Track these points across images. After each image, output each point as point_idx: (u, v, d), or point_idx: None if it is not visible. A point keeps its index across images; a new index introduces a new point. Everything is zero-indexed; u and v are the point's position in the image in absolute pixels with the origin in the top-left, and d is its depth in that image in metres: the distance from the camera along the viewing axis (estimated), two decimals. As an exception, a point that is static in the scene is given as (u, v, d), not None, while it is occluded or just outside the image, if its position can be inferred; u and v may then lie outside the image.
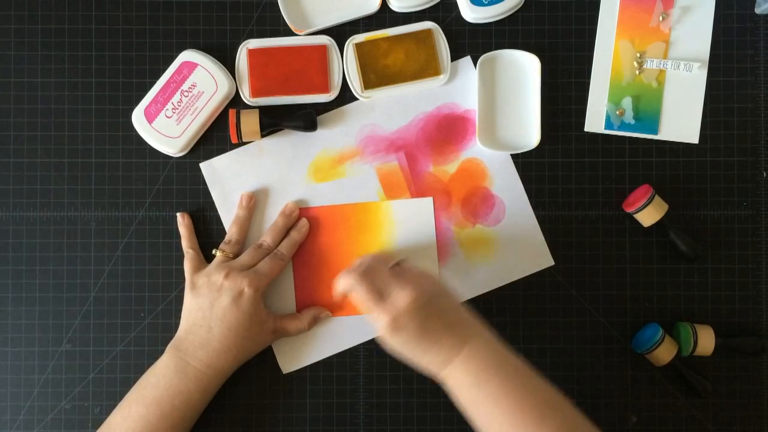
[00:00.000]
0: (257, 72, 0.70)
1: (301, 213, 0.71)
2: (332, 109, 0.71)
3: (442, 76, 0.71)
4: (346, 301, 0.71)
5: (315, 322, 0.69)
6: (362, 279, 0.59)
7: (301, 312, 0.70)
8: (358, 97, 0.71)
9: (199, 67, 0.69)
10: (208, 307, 0.65)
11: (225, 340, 0.64)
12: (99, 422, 0.66)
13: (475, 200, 0.71)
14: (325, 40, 0.71)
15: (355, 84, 0.71)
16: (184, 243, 0.69)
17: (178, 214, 0.70)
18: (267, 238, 0.69)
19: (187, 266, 0.68)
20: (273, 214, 0.71)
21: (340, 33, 0.71)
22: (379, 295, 0.59)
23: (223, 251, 0.68)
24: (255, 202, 0.70)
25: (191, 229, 0.70)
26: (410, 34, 0.71)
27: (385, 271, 0.61)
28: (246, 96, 0.70)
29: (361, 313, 0.62)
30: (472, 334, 0.59)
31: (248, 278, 0.65)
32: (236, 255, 0.68)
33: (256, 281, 0.65)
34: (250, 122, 0.68)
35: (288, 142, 0.71)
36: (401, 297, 0.58)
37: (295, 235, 0.69)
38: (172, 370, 0.64)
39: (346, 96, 0.71)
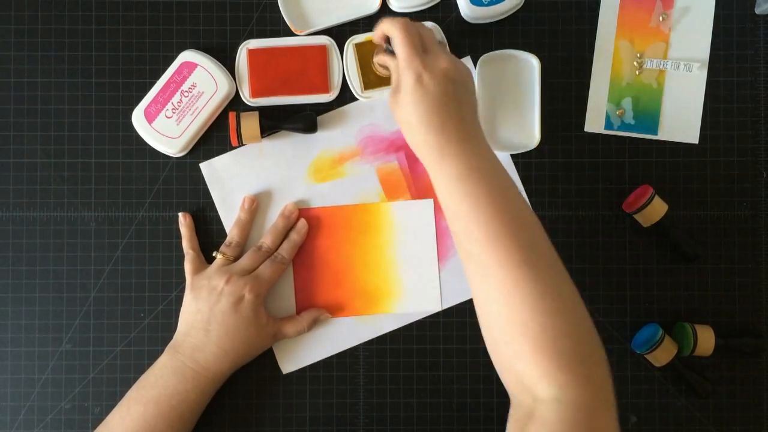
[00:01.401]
0: (257, 72, 0.70)
1: (302, 214, 0.71)
2: (332, 109, 0.71)
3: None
4: (346, 301, 0.71)
5: (314, 323, 0.69)
6: (406, 27, 0.58)
7: (301, 314, 0.70)
8: (358, 97, 0.71)
9: (199, 67, 0.69)
10: (208, 311, 0.65)
11: (223, 344, 0.65)
12: (99, 422, 0.66)
13: (475, 200, 0.71)
14: (325, 40, 0.71)
15: (355, 84, 0.71)
16: (185, 243, 0.69)
17: (179, 214, 0.70)
18: (267, 240, 0.69)
19: (188, 267, 0.68)
20: (273, 215, 0.71)
21: (340, 33, 0.71)
22: (418, 48, 0.58)
23: (223, 254, 0.68)
24: (257, 206, 0.70)
25: (192, 230, 0.70)
26: None
27: (431, 36, 0.61)
28: (246, 96, 0.70)
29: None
30: (476, 137, 0.58)
31: (249, 284, 0.65)
32: (236, 257, 0.68)
33: (257, 287, 0.65)
34: (250, 126, 0.68)
35: (288, 142, 0.71)
36: (442, 60, 0.58)
37: (295, 237, 0.69)
38: (170, 370, 0.64)
39: (346, 96, 0.71)
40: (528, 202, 0.58)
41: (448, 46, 0.69)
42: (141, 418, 0.63)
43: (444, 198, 0.57)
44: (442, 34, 0.69)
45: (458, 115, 0.57)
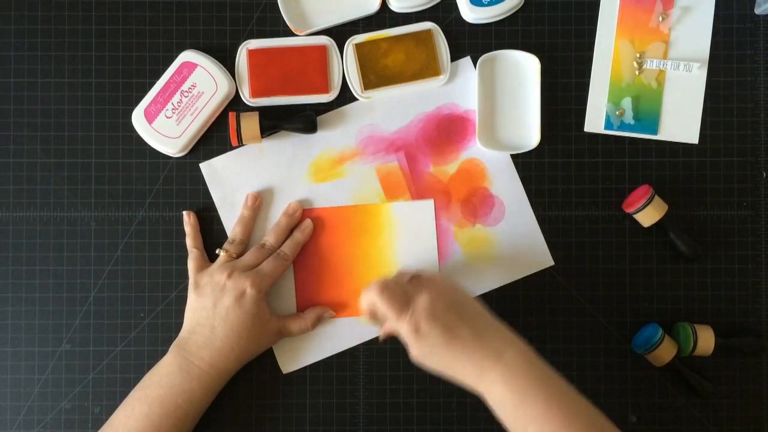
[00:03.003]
0: (257, 72, 0.70)
1: (301, 214, 0.71)
2: (332, 109, 0.71)
3: (442, 77, 0.71)
4: (347, 302, 0.71)
5: (318, 321, 0.69)
6: (382, 292, 0.59)
7: (305, 312, 0.70)
8: (358, 97, 0.71)
9: (199, 67, 0.69)
10: (212, 307, 0.65)
11: (228, 340, 0.65)
12: (99, 422, 0.66)
13: (475, 200, 0.71)
14: (325, 40, 0.71)
15: (355, 84, 0.71)
16: (189, 242, 0.69)
17: (184, 213, 0.70)
18: (270, 238, 0.69)
19: (191, 265, 0.68)
20: (272, 215, 0.71)
21: (340, 33, 0.71)
22: (402, 305, 0.58)
23: (226, 251, 0.68)
24: (260, 203, 0.70)
25: (197, 228, 0.70)
26: (410, 34, 0.71)
27: (404, 283, 0.61)
28: (246, 96, 0.70)
29: (387, 330, 0.62)
30: (507, 344, 0.58)
31: (251, 278, 0.65)
32: (240, 255, 0.68)
33: (259, 281, 0.65)
34: (250, 126, 0.68)
35: (288, 142, 0.71)
36: (420, 301, 0.58)
37: (299, 236, 0.69)
38: (176, 369, 0.64)
39: (346, 96, 0.71)
40: (582, 396, 0.56)
41: (422, 270, 0.65)
42: (146, 418, 0.62)
43: (505, 422, 0.57)
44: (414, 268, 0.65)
45: (473, 333, 0.57)
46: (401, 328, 0.58)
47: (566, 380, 0.57)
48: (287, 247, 0.69)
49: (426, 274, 0.63)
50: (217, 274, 0.66)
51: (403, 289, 0.60)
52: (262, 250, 0.68)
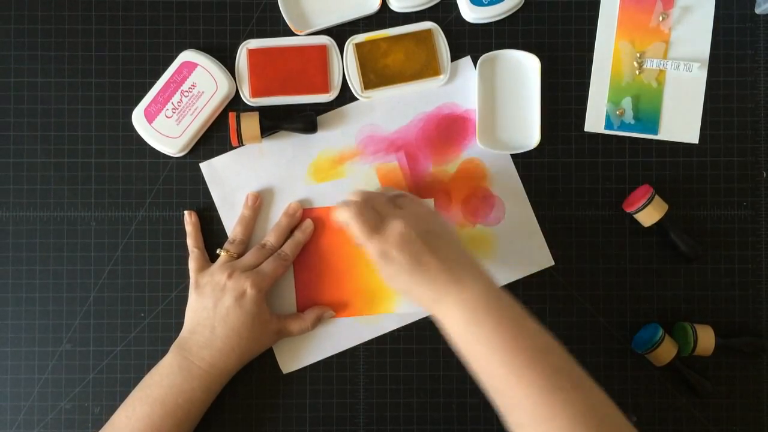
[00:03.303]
0: (257, 72, 0.70)
1: (302, 213, 0.71)
2: (332, 109, 0.71)
3: (442, 76, 0.71)
4: (347, 302, 0.71)
5: (318, 321, 0.69)
6: (358, 213, 0.60)
7: (305, 312, 0.70)
8: (358, 97, 0.71)
9: (199, 67, 0.69)
10: (212, 307, 0.65)
11: (228, 341, 0.65)
12: (99, 422, 0.66)
13: (475, 200, 0.71)
14: (325, 40, 0.71)
15: (355, 84, 0.71)
16: (190, 242, 0.69)
17: (185, 212, 0.70)
18: (270, 238, 0.69)
19: (192, 265, 0.68)
20: (273, 214, 0.71)
21: (340, 33, 0.71)
22: (374, 227, 0.59)
23: (227, 251, 0.68)
24: (261, 202, 0.70)
25: (198, 228, 0.70)
26: (410, 34, 0.71)
27: (383, 203, 0.62)
28: (246, 96, 0.70)
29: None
30: (467, 272, 0.58)
31: (251, 278, 0.65)
32: (240, 254, 0.68)
33: (259, 282, 0.65)
34: (250, 126, 0.68)
35: (288, 142, 0.71)
36: (392, 228, 0.59)
37: (300, 236, 0.69)
38: (176, 369, 0.64)
39: (346, 96, 0.71)
40: (539, 324, 0.57)
41: (405, 193, 0.66)
42: (147, 418, 0.63)
43: (456, 343, 0.58)
44: (397, 191, 0.65)
45: (438, 261, 0.58)
46: (370, 248, 0.59)
47: (524, 308, 0.58)
48: (288, 247, 0.69)
49: (407, 198, 0.64)
50: (217, 274, 0.66)
51: (379, 209, 0.61)
52: (263, 250, 0.68)
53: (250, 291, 0.65)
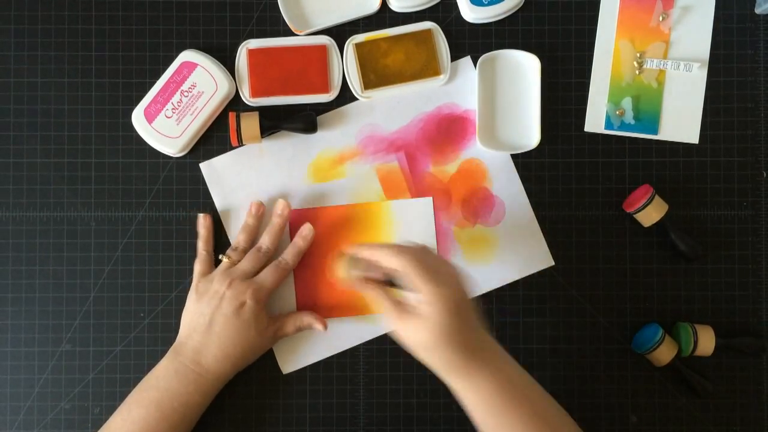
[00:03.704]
0: (257, 72, 0.70)
1: (302, 213, 0.71)
2: (332, 109, 0.71)
3: (442, 76, 0.71)
4: (347, 302, 0.71)
5: (310, 327, 0.69)
6: (419, 258, 0.56)
7: (299, 312, 0.69)
8: (358, 97, 0.71)
9: (199, 67, 0.69)
10: (210, 314, 0.65)
11: (225, 348, 0.65)
12: (99, 422, 0.66)
13: (475, 200, 0.71)
14: (325, 40, 0.71)
15: (355, 84, 0.71)
16: (201, 244, 0.69)
17: (200, 215, 0.70)
18: (266, 241, 0.69)
19: (197, 268, 0.68)
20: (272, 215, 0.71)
21: (340, 33, 0.71)
22: (401, 307, 0.56)
23: (229, 257, 0.68)
24: (264, 211, 0.70)
25: (211, 232, 0.70)
26: (410, 34, 0.71)
27: (432, 255, 0.58)
28: (246, 96, 0.70)
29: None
30: (489, 354, 0.57)
31: (251, 289, 0.65)
32: None
33: (258, 293, 0.66)
34: (250, 126, 0.68)
35: (288, 142, 0.71)
36: (449, 280, 0.56)
37: (300, 243, 0.69)
38: (172, 373, 0.64)
39: (346, 96, 0.71)
40: (550, 397, 0.58)
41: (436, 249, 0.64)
42: (143, 421, 0.62)
43: (475, 413, 0.57)
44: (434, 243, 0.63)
45: (473, 336, 0.57)
46: (425, 291, 0.54)
47: (538, 385, 0.58)
48: (289, 255, 0.68)
49: (444, 275, 0.57)
50: (217, 282, 0.66)
51: (430, 261, 0.56)
52: (259, 254, 0.68)
53: (249, 302, 0.65)
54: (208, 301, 0.65)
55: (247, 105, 0.71)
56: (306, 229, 0.69)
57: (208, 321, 0.65)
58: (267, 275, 0.67)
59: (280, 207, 0.69)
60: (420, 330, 0.55)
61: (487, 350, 0.58)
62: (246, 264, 0.67)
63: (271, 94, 0.70)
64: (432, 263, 0.56)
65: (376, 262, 0.58)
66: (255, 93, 0.70)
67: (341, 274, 0.60)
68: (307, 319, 0.69)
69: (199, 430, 0.67)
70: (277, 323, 0.68)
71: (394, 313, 0.57)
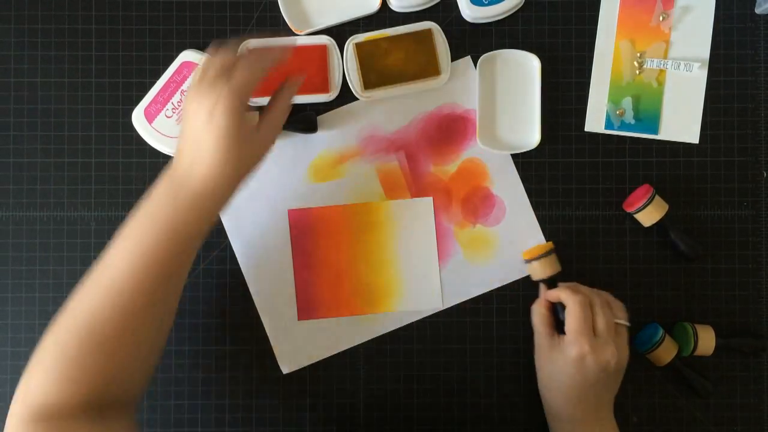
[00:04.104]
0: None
1: (302, 214, 0.71)
2: (332, 109, 0.71)
3: (442, 76, 0.71)
4: (347, 301, 0.71)
5: (290, 97, 0.62)
6: (588, 307, 0.64)
7: (273, 95, 0.62)
8: (358, 97, 0.71)
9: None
10: (190, 127, 0.57)
11: (215, 154, 0.56)
12: (99, 422, 0.66)
13: (475, 200, 0.71)
14: (325, 40, 0.71)
15: (355, 84, 0.71)
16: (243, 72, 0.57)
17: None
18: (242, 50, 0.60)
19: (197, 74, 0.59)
20: (272, 215, 0.71)
21: (340, 33, 0.71)
22: (590, 329, 0.63)
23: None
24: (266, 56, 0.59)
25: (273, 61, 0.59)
26: (410, 34, 0.71)
27: (610, 321, 0.64)
28: None
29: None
30: (609, 424, 0.65)
31: (222, 92, 0.55)
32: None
33: (229, 96, 0.55)
34: (250, 123, 0.68)
35: (288, 142, 0.71)
36: (608, 350, 0.62)
37: (282, 49, 0.60)
38: (164, 191, 0.57)
39: (346, 96, 0.71)
40: None
41: (627, 330, 0.66)
42: (140, 253, 0.55)
43: None
44: (626, 316, 0.66)
45: (599, 401, 0.64)
46: (575, 343, 0.63)
47: None
48: (263, 57, 0.59)
49: (621, 329, 0.66)
50: (191, 88, 0.57)
51: (601, 323, 0.64)
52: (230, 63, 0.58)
53: (220, 106, 0.55)
54: (188, 111, 0.57)
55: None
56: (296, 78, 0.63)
57: (192, 131, 0.57)
58: (238, 72, 0.56)
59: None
60: (553, 370, 0.65)
61: (601, 418, 0.64)
62: (221, 58, 0.58)
63: (271, 93, 0.70)
64: (592, 321, 0.64)
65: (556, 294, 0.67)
66: (255, 93, 0.70)
67: (535, 274, 0.69)
68: (285, 97, 0.62)
69: (199, 431, 0.67)
70: (263, 121, 0.60)
71: (544, 339, 0.66)
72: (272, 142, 0.61)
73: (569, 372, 0.62)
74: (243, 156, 0.57)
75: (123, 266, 0.56)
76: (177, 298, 0.60)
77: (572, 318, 0.63)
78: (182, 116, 0.59)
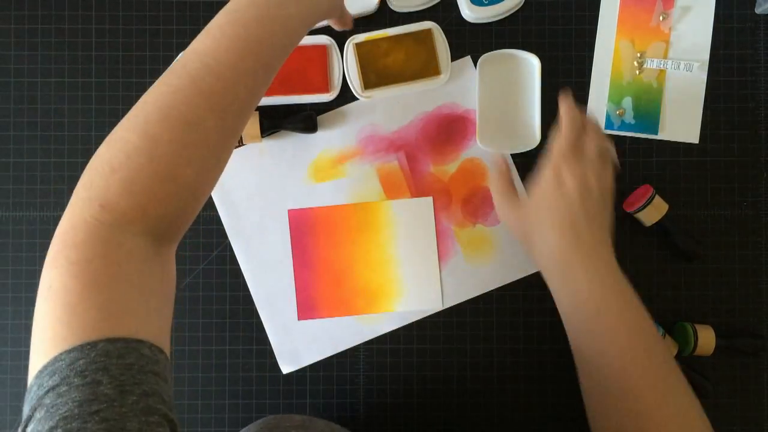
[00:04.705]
0: None
1: (302, 213, 0.71)
2: (332, 109, 0.71)
3: (442, 76, 0.71)
4: (347, 301, 0.71)
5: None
6: (575, 120, 0.61)
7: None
8: (358, 97, 0.71)
9: (199, 67, 0.69)
10: None
11: None
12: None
13: (475, 200, 0.71)
14: (325, 40, 0.71)
15: (355, 84, 0.71)
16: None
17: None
18: None
19: None
20: (272, 215, 0.71)
21: (340, 33, 0.71)
22: (576, 143, 0.60)
23: None
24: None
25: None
26: (410, 34, 0.71)
27: (599, 139, 0.61)
28: None
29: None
30: (605, 254, 0.59)
31: None
32: None
33: None
34: (250, 126, 0.68)
35: (288, 142, 0.71)
36: (589, 169, 0.59)
37: None
38: None
39: (346, 96, 0.71)
40: (655, 328, 0.59)
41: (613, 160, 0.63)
42: (241, 40, 0.49)
43: (583, 305, 0.58)
44: (614, 153, 0.63)
45: (594, 237, 0.59)
46: (559, 155, 0.59)
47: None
48: None
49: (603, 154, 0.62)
50: None
51: (589, 144, 0.61)
52: None
53: None
54: None
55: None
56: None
57: None
58: None
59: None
60: (533, 209, 0.60)
61: (603, 255, 0.58)
62: None
63: (271, 94, 0.70)
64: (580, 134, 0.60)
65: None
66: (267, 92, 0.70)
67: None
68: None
69: (199, 431, 0.67)
70: None
71: (505, 196, 0.64)
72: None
73: (551, 202, 0.59)
74: None
75: (224, 56, 0.48)
76: (259, 94, 0.52)
77: (561, 137, 0.60)
78: None
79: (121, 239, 0.44)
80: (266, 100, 0.70)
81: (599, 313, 0.57)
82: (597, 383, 0.57)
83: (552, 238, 0.59)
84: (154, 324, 0.43)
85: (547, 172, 0.60)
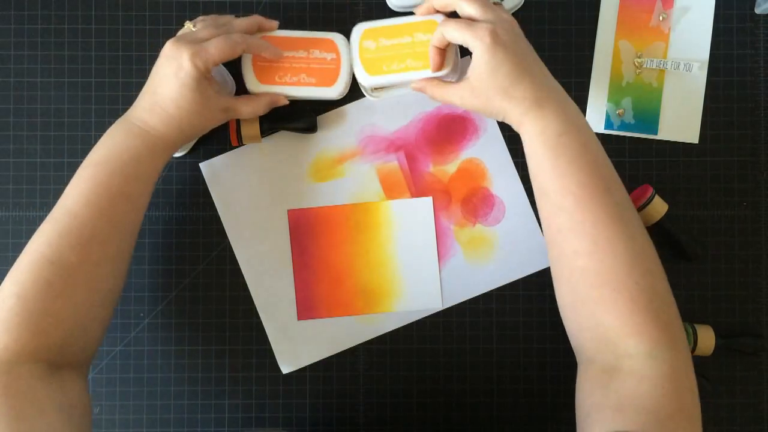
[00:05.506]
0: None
1: (302, 213, 0.71)
2: (332, 108, 0.71)
3: (445, 71, 0.70)
4: (347, 301, 0.71)
5: (271, 106, 0.67)
6: None
7: (258, 95, 0.67)
8: (365, 93, 0.70)
9: (199, 67, 0.69)
10: (154, 74, 0.62)
11: (167, 107, 0.61)
12: (99, 422, 0.66)
13: (475, 200, 0.71)
14: (331, 33, 0.69)
15: (361, 77, 0.68)
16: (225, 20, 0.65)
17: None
18: (232, 19, 0.65)
19: (177, 37, 0.63)
20: (272, 215, 0.71)
21: (349, 30, 0.71)
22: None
23: (192, 23, 0.65)
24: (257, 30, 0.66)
25: (251, 31, 0.66)
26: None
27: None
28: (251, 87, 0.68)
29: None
30: (560, 88, 0.60)
31: (190, 51, 0.60)
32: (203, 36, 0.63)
33: (196, 56, 0.60)
34: (250, 126, 0.68)
35: (288, 142, 0.71)
36: (505, 14, 0.60)
37: (264, 23, 0.66)
38: (117, 131, 0.62)
39: (350, 94, 0.70)
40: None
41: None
42: (93, 179, 0.59)
43: (537, 154, 0.58)
44: None
45: (541, 67, 0.60)
46: (484, 21, 0.59)
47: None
48: (240, 28, 0.64)
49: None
50: (167, 44, 0.62)
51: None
52: (217, 24, 0.64)
53: (185, 65, 0.60)
54: (158, 62, 0.62)
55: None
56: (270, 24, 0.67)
57: (154, 81, 0.62)
58: (212, 42, 0.61)
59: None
60: (485, 50, 0.58)
61: (557, 93, 0.60)
62: (201, 32, 0.63)
63: (274, 83, 0.68)
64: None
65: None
66: (265, 80, 0.68)
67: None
68: (264, 103, 0.66)
69: (199, 431, 0.67)
70: (230, 101, 0.65)
71: (454, 63, 0.64)
72: (226, 119, 0.66)
73: (501, 59, 0.58)
74: (192, 122, 0.62)
75: (78, 197, 0.59)
76: (130, 244, 0.62)
77: (474, 6, 0.60)
78: (156, 62, 0.63)
79: (18, 370, 0.54)
80: (269, 88, 0.67)
81: (575, 144, 0.58)
82: (558, 230, 0.57)
83: (520, 88, 0.58)
84: None
85: (486, 39, 0.58)
